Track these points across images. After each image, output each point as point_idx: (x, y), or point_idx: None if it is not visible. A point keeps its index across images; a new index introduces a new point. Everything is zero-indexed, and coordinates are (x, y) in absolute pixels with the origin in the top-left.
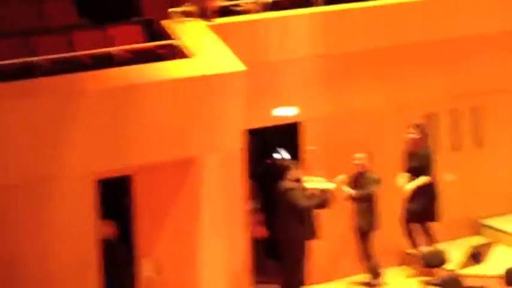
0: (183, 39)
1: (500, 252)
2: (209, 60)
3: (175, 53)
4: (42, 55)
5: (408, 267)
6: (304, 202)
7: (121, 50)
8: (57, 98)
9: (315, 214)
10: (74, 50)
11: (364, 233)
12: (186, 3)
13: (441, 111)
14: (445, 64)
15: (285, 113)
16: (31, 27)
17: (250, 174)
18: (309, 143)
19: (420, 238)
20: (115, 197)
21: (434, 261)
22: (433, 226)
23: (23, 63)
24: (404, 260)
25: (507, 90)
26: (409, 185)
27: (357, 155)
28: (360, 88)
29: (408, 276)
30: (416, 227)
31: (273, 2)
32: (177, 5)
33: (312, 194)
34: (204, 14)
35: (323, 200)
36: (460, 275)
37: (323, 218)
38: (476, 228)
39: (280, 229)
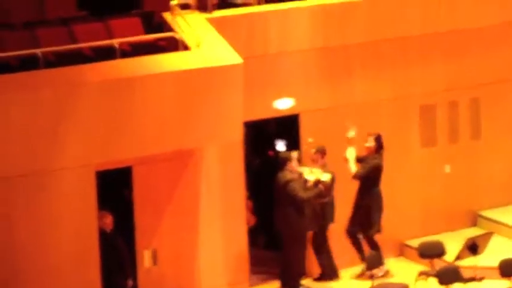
0: (182, 31)
1: (497, 244)
2: (208, 52)
3: (175, 45)
4: (43, 47)
5: (406, 259)
6: (302, 194)
7: (121, 42)
8: (59, 89)
9: (314, 205)
10: (75, 42)
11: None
12: None
13: (439, 103)
14: (444, 56)
15: (283, 105)
16: (32, 19)
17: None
18: (307, 135)
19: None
20: (113, 188)
21: (431, 252)
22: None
23: (25, 55)
24: (402, 251)
25: (506, 81)
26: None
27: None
28: (359, 80)
29: (406, 267)
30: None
31: None
32: None
33: (311, 186)
34: (204, 6)
35: (322, 191)
36: (457, 266)
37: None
38: (474, 220)
39: (280, 220)
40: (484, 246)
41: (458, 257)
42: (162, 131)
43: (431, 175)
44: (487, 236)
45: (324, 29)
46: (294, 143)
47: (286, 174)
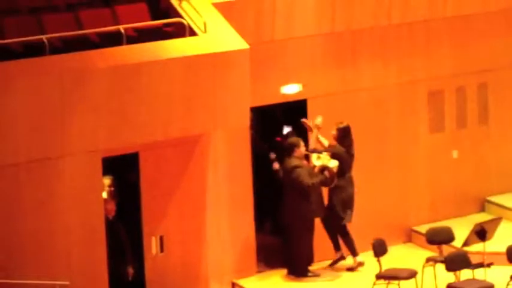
0: (189, 17)
1: (505, 229)
2: (215, 38)
3: (182, 31)
4: (49, 33)
5: (414, 244)
6: (308, 180)
7: (128, 27)
8: (65, 75)
9: (320, 191)
10: (81, 28)
11: None
12: None
13: (447, 88)
14: (451, 41)
15: (290, 90)
16: (38, 5)
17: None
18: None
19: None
20: (119, 174)
21: (439, 238)
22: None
23: (31, 41)
24: (410, 237)
25: None
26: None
27: None
28: (366, 66)
29: (414, 253)
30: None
31: None
32: None
33: (317, 172)
34: None
35: (328, 177)
36: (465, 252)
37: None
38: (482, 205)
39: (287, 207)
40: (493, 231)
41: (466, 243)
42: (169, 117)
43: (439, 161)
44: (496, 221)
45: (331, 14)
46: (301, 129)
47: (293, 161)
